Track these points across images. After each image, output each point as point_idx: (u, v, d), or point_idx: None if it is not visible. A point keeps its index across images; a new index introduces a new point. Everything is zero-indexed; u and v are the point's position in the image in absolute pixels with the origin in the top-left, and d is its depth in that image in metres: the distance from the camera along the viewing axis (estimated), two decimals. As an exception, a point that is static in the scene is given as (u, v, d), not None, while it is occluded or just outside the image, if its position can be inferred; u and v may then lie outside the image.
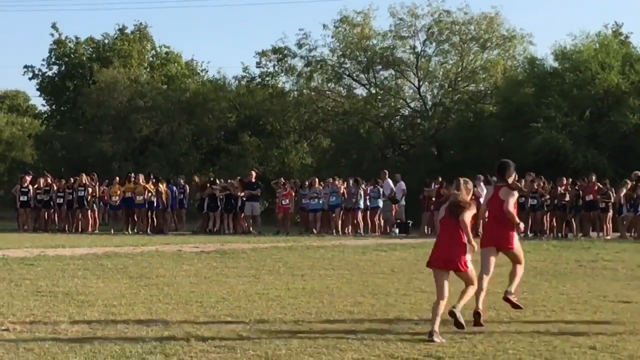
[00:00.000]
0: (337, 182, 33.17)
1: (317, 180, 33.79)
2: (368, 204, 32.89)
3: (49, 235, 30.52)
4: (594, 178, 31.15)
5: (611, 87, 39.82)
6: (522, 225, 12.27)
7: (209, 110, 51.24)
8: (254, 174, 34.99)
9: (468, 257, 10.65)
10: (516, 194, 11.98)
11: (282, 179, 35.07)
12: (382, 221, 33.13)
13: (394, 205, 32.95)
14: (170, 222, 34.55)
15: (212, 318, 11.39)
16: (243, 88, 53.75)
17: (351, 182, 33.20)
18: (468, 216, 10.66)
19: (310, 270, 17.90)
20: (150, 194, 33.16)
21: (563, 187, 30.88)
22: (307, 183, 34.01)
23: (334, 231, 32.35)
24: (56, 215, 34.69)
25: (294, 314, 11.79)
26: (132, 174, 35.07)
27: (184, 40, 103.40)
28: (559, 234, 30.84)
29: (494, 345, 9.69)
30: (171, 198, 33.98)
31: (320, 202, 32.77)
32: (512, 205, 11.72)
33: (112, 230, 32.94)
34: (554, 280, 16.37)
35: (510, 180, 11.92)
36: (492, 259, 11.75)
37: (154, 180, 34.13)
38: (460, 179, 11.07)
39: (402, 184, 33.69)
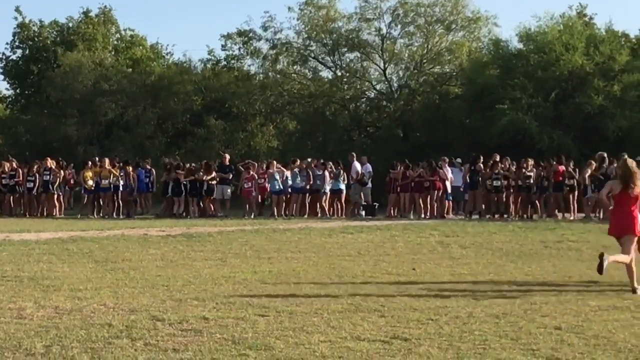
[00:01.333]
0: (302, 165, 33.06)
1: (274, 162, 33.59)
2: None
3: (14, 220, 30.32)
4: (563, 159, 30.94)
5: (575, 68, 39.98)
6: None
7: (175, 93, 51.04)
8: (227, 157, 34.87)
9: None
10: None
11: (251, 161, 34.83)
12: (343, 204, 33.00)
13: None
14: (137, 205, 34.38)
15: (178, 302, 11.35)
16: (208, 71, 53.71)
17: (310, 162, 33.24)
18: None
19: (276, 254, 17.90)
20: (115, 177, 33.00)
21: (528, 169, 30.86)
22: (264, 166, 33.69)
23: (285, 213, 32.25)
24: (22, 199, 34.40)
25: (261, 297, 11.78)
26: (97, 158, 34.90)
27: (148, 24, 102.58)
28: (524, 215, 30.91)
29: (460, 326, 9.73)
30: (138, 181, 33.76)
31: (277, 185, 32.43)
32: None
33: (79, 215, 32.76)
34: (519, 261, 16.48)
35: None
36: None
37: (120, 164, 34.00)
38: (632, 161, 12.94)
39: (369, 166, 33.71)
